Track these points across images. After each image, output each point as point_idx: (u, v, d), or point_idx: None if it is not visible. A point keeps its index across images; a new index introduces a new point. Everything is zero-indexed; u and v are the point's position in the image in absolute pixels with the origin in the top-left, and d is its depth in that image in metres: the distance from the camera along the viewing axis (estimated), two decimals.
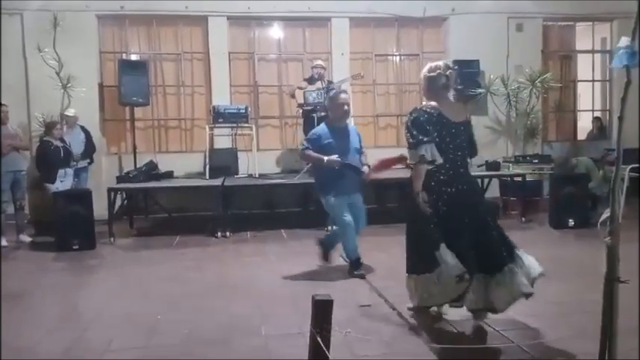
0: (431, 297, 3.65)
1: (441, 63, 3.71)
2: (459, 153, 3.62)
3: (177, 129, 9.38)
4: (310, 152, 4.93)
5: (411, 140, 3.51)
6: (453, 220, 3.50)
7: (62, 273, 5.72)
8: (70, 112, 7.89)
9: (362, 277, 4.94)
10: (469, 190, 3.67)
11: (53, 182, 7.10)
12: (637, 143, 6.75)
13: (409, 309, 3.94)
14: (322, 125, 5.08)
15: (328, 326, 2.33)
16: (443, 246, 3.43)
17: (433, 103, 3.60)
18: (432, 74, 3.64)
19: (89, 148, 8.05)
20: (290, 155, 9.22)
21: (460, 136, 3.63)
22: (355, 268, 5.03)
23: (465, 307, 3.58)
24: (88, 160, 8.01)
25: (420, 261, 3.64)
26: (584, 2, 9.53)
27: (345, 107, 4.97)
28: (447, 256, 3.41)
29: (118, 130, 9.19)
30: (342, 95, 5.01)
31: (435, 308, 3.89)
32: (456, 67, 4.01)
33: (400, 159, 4.13)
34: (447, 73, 3.63)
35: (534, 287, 3.50)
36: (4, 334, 3.69)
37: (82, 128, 8.05)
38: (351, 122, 9.35)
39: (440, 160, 3.51)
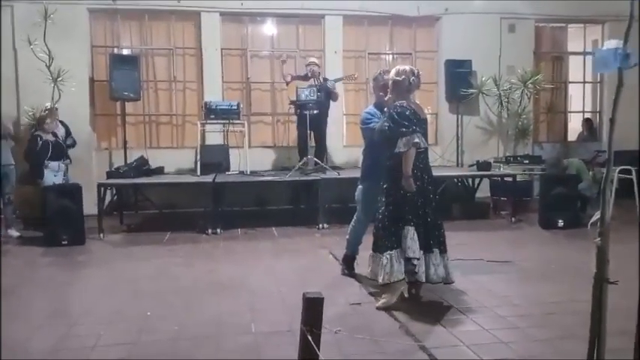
0: (392, 273, 3.98)
1: (407, 68, 4.19)
2: (427, 146, 4.17)
3: (168, 125, 9.34)
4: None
5: (403, 130, 3.95)
6: (423, 202, 4.06)
7: (51, 268, 5.68)
8: (47, 105, 7.57)
9: (352, 275, 4.93)
10: (433, 177, 4.27)
11: (42, 178, 7.02)
12: (627, 145, 6.81)
13: (380, 284, 4.10)
14: (371, 107, 4.86)
15: (318, 324, 2.32)
16: (412, 229, 3.97)
17: (409, 102, 4.10)
18: (397, 78, 4.13)
19: (69, 144, 7.70)
20: (282, 152, 9.22)
21: (426, 131, 4.21)
22: (348, 266, 5.03)
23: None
24: (68, 161, 7.43)
25: (387, 239, 4.03)
26: (576, 4, 9.60)
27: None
28: (410, 237, 3.95)
29: (109, 125, 9.14)
30: (385, 76, 4.60)
31: (403, 288, 4.16)
32: (420, 73, 4.23)
33: None
34: (411, 79, 4.12)
35: None
36: None
37: (62, 123, 7.77)
38: (344, 119, 9.54)
39: (426, 146, 4.11)
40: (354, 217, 4.98)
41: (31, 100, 8.07)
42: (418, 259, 3.96)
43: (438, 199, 4.27)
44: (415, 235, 3.97)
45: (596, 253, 2.18)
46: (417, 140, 3.93)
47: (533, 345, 3.38)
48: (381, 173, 4.29)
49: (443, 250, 4.13)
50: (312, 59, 8.44)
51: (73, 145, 7.83)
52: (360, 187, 4.89)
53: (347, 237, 5.04)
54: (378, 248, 4.09)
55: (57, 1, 7.95)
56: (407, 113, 4.00)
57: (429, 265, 4.02)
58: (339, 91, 8.61)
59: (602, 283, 2.17)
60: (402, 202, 4.02)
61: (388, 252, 3.99)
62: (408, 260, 3.96)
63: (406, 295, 4.16)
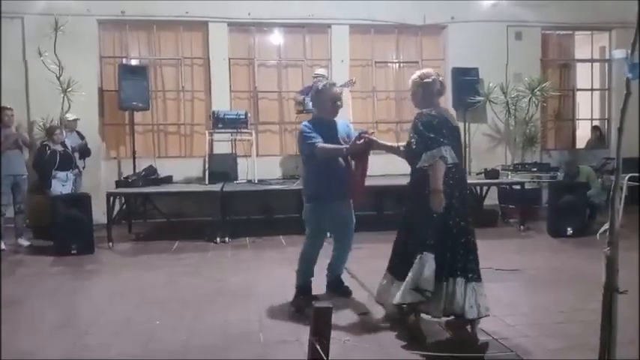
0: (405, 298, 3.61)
1: (431, 70, 3.82)
2: (461, 157, 3.71)
3: (176, 134, 9.40)
4: (325, 145, 4.18)
5: (429, 142, 3.50)
6: (452, 222, 3.53)
7: (60, 277, 5.70)
8: (71, 116, 7.92)
9: (299, 311, 4.18)
10: (469, 194, 3.78)
11: (50, 187, 7.11)
12: (636, 153, 6.78)
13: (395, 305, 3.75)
14: (306, 122, 4.41)
15: (327, 334, 2.32)
16: (431, 256, 3.48)
17: (439, 108, 3.70)
18: (427, 80, 3.70)
19: (84, 154, 8.03)
20: (289, 161, 9.24)
21: (460, 140, 3.75)
22: (299, 295, 4.40)
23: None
24: (77, 171, 7.68)
25: (405, 264, 3.62)
26: (583, 11, 9.60)
27: (338, 103, 4.39)
28: (428, 265, 3.46)
29: (118, 135, 9.21)
30: (333, 89, 4.37)
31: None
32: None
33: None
34: (440, 79, 3.75)
35: None
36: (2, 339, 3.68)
37: (78, 133, 8.07)
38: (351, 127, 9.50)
39: (456, 161, 3.58)
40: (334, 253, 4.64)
41: (42, 111, 8.17)
42: (432, 292, 3.48)
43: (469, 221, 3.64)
44: (433, 263, 3.48)
45: (606, 262, 2.18)
46: (443, 154, 3.46)
47: (543, 354, 3.35)
48: (324, 191, 4.14)
49: (470, 279, 3.53)
50: (319, 71, 8.45)
51: (89, 153, 8.07)
52: (306, 205, 4.47)
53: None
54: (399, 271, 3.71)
55: (67, 12, 8.07)
56: (434, 123, 3.53)
57: (447, 294, 3.52)
58: (347, 98, 8.59)
59: (612, 292, 2.16)
60: (426, 225, 3.52)
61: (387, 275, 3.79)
62: (420, 291, 3.50)
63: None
